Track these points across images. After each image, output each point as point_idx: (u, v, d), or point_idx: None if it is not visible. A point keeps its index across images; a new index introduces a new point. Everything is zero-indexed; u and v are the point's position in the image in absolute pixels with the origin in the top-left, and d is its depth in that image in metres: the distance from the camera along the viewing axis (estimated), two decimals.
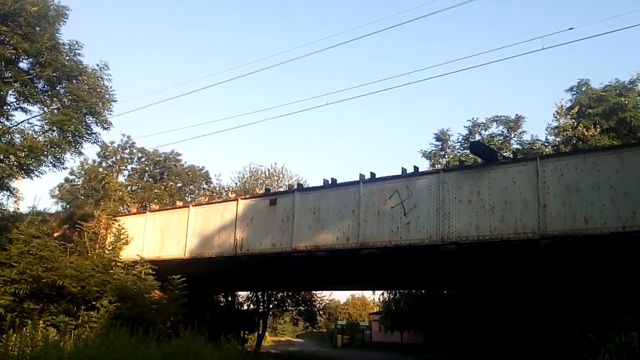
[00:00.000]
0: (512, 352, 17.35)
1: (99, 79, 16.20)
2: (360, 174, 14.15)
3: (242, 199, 16.68)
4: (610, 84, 24.79)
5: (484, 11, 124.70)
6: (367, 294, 66.20)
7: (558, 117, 25.25)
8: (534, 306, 16.17)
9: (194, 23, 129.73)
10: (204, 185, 37.80)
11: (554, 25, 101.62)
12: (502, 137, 27.67)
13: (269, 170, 34.15)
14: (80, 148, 17.38)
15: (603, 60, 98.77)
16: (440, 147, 29.28)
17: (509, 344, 17.59)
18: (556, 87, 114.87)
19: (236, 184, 33.36)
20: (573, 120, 24.32)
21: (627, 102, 23.04)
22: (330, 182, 14.83)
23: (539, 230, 11.15)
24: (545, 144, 25.61)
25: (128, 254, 17.89)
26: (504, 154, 21.09)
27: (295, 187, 16.61)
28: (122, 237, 18.01)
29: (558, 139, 24.89)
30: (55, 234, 18.66)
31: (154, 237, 18.62)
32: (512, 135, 27.68)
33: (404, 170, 13.47)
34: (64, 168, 17.87)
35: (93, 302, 15.18)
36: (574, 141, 23.16)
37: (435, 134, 29.45)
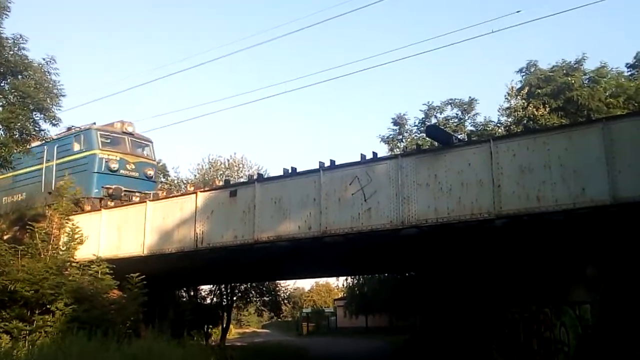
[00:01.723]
0: (472, 329, 17.82)
1: (46, 73, 15.56)
2: (320, 162, 14.08)
3: (201, 191, 16.37)
4: (557, 64, 25.59)
5: None
6: (331, 280, 66.75)
7: (509, 98, 25.93)
8: (492, 284, 16.59)
9: (145, 14, 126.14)
10: (162, 179, 36.96)
11: (503, 8, 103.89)
12: (456, 120, 28.20)
13: (228, 160, 33.64)
14: (28, 146, 16.70)
15: (551, 41, 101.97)
16: (398, 131, 29.58)
17: (470, 322, 18.05)
18: (508, 68, 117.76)
19: (195, 176, 32.76)
20: (523, 101, 25.01)
21: (573, 81, 23.86)
22: (290, 171, 14.73)
23: (495, 210, 11.40)
24: (498, 124, 26.27)
25: (83, 253, 17.30)
26: (459, 136, 21.52)
27: (256, 177, 16.45)
28: (76, 236, 17.40)
29: (510, 120, 25.58)
30: (5, 237, 17.96)
31: (111, 235, 18.06)
32: (466, 118, 28.28)
33: (363, 156, 13.50)
34: (11, 168, 17.13)
35: (48, 306, 14.66)
36: (525, 121, 23.83)
37: (392, 119, 29.74)
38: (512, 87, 26.01)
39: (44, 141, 20.46)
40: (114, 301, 15.64)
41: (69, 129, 21.02)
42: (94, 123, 20.69)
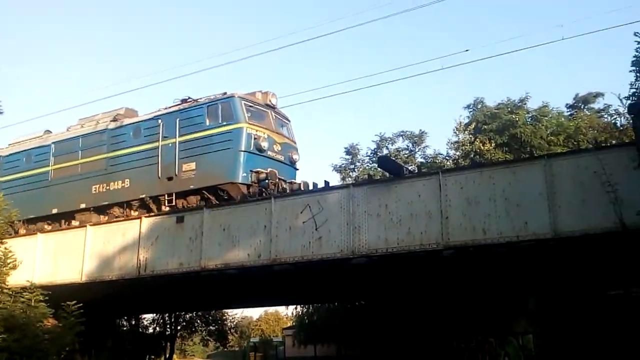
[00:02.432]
0: (420, 359, 17.87)
1: None
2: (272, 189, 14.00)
3: (146, 217, 15.84)
4: (502, 102, 26.71)
5: (385, 30, 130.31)
6: (281, 309, 65.72)
7: (457, 132, 26.75)
8: (440, 314, 16.79)
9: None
10: None
11: (454, 46, 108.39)
12: (407, 152, 28.81)
13: None
14: None
15: (498, 79, 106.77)
16: (350, 161, 29.92)
17: (417, 351, 18.11)
18: (457, 104, 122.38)
19: None
20: (470, 136, 25.87)
21: (517, 119, 24.91)
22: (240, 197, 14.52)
23: (443, 241, 11.57)
24: (447, 157, 26.99)
25: (16, 279, 16.29)
26: (410, 168, 21.93)
27: (204, 203, 16.10)
28: (8, 261, 16.39)
29: (458, 153, 26.33)
30: None
31: (46, 260, 17.16)
32: (417, 150, 28.93)
33: (315, 184, 13.50)
34: None
35: None
36: (472, 155, 24.60)
37: (345, 148, 30.09)
38: (461, 122, 26.87)
39: (155, 114, 17.14)
40: (48, 330, 14.88)
41: (184, 100, 17.10)
42: (224, 93, 16.36)
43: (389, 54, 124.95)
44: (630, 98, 10.30)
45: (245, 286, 16.73)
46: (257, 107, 16.37)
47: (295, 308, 43.10)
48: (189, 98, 16.94)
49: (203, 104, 16.31)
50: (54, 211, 18.09)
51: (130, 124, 17.72)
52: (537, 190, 10.99)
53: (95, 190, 17.63)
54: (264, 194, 14.72)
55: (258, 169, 15.26)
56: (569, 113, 27.47)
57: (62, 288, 16.16)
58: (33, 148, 19.32)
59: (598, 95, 27.33)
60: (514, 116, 25.10)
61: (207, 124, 16.00)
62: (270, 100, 16.74)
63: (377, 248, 12.18)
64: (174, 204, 15.96)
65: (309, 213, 12.99)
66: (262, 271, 13.86)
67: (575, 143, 23.59)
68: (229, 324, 35.75)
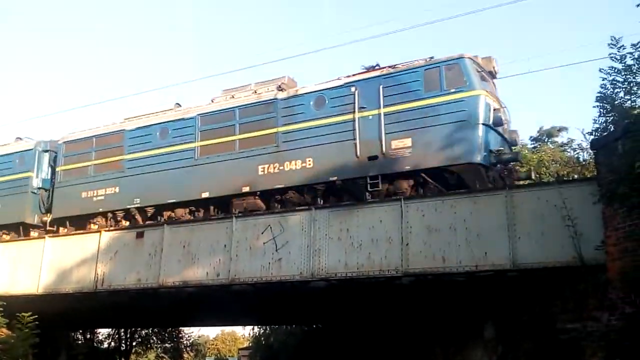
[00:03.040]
0: None
1: None
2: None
3: (105, 231, 15.65)
4: None
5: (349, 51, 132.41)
6: (238, 329, 64.82)
7: None
8: (397, 339, 16.83)
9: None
10: None
11: None
12: None
13: None
14: None
15: None
16: None
17: None
18: None
19: None
20: None
21: None
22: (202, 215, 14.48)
23: (402, 267, 11.63)
24: None
25: None
26: None
27: (165, 220, 15.94)
28: None
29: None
30: None
31: (4, 270, 16.81)
32: None
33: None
34: None
35: None
36: None
37: None
38: None
39: (346, 80, 14.30)
40: (1, 340, 14.79)
41: (371, 68, 14.30)
42: (431, 58, 13.72)
43: None
44: (594, 133, 10.51)
45: (203, 305, 16.53)
46: (483, 73, 13.55)
47: (253, 328, 42.57)
48: (377, 65, 14.39)
49: (418, 68, 13.43)
50: (204, 195, 15.13)
51: (309, 92, 14.70)
52: (497, 221, 11.13)
53: (262, 172, 14.58)
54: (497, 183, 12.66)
55: (499, 149, 12.81)
56: (532, 146, 28.10)
57: (19, 299, 15.88)
58: (170, 121, 16.23)
59: (562, 129, 27.98)
60: None
61: (425, 91, 13.14)
62: (494, 67, 14.05)
63: (337, 272, 12.19)
64: (379, 187, 13.23)
65: (270, 234, 12.97)
66: (221, 290, 13.75)
67: (537, 176, 24.13)
68: (184, 342, 35.30)
